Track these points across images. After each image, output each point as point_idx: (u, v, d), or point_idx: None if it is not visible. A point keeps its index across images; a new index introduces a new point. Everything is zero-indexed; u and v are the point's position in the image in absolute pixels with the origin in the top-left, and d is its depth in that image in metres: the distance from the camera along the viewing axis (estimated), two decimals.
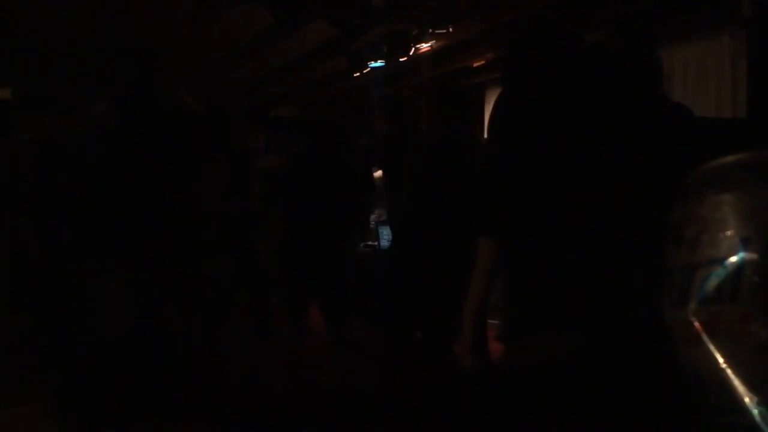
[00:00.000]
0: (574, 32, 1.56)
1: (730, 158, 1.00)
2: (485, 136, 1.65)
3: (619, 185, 1.43)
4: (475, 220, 1.58)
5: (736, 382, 0.88)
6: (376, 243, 5.57)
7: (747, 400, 0.86)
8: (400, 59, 5.37)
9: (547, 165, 1.45)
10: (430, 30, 4.73)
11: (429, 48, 5.05)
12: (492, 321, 1.70)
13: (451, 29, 4.65)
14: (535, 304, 1.43)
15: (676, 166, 1.18)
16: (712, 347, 0.92)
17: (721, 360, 0.90)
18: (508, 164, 1.51)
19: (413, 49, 5.07)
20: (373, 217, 5.69)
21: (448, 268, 3.06)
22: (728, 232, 0.94)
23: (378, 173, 5.47)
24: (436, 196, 3.11)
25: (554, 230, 1.46)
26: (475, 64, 6.30)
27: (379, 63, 5.58)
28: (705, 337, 0.93)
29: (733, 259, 0.92)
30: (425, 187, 3.16)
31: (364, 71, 5.78)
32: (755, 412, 0.84)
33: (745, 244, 0.92)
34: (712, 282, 0.94)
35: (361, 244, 6.06)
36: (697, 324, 0.95)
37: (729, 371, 0.89)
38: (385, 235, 5.46)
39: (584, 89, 1.51)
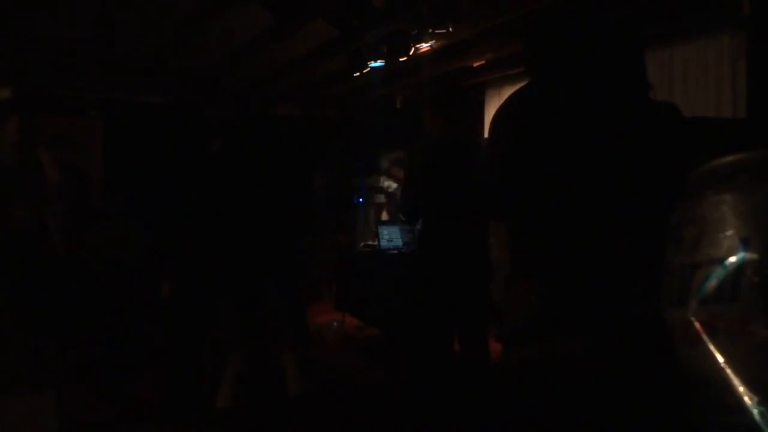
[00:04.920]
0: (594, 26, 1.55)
1: (730, 158, 1.00)
2: (486, 135, 1.65)
3: (622, 186, 1.43)
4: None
5: (736, 382, 0.88)
6: (376, 243, 5.57)
7: (747, 399, 0.86)
8: (400, 59, 5.38)
9: (551, 166, 1.46)
10: (430, 30, 4.73)
11: (429, 48, 5.06)
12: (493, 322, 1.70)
13: (451, 29, 4.65)
14: (540, 307, 1.43)
15: (677, 165, 1.18)
16: (712, 347, 0.92)
17: (721, 360, 0.90)
18: (517, 165, 1.51)
19: (413, 49, 5.07)
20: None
21: (451, 267, 3.07)
22: (728, 232, 0.94)
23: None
24: (437, 197, 3.12)
25: (557, 232, 1.46)
26: (475, 64, 6.30)
27: (379, 63, 5.59)
28: (705, 337, 0.93)
29: (733, 259, 0.92)
30: (426, 187, 3.17)
31: (364, 71, 5.78)
32: (755, 411, 0.85)
33: (745, 244, 0.92)
34: (712, 282, 0.94)
35: (361, 244, 6.06)
36: (697, 324, 0.95)
37: (729, 371, 0.89)
38: (385, 235, 5.46)
39: (591, 88, 1.51)
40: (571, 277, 1.42)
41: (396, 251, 5.30)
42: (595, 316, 1.38)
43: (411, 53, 5.16)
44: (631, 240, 1.40)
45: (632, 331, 1.32)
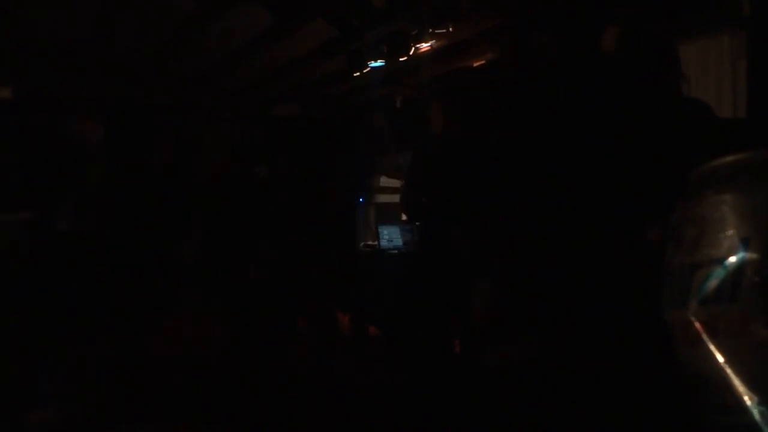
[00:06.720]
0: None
1: (730, 158, 1.00)
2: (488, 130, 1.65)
3: (623, 185, 1.43)
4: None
5: (736, 382, 0.88)
6: (376, 243, 5.57)
7: (747, 399, 0.86)
8: (400, 59, 5.37)
9: (552, 164, 1.46)
10: (430, 30, 4.73)
11: (429, 48, 5.05)
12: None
13: (451, 29, 4.65)
14: (536, 305, 1.43)
15: (678, 165, 1.18)
16: (712, 347, 0.92)
17: (721, 360, 0.90)
18: (517, 161, 1.51)
19: (413, 49, 5.07)
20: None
21: (451, 267, 3.07)
22: (728, 232, 0.94)
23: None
24: (437, 196, 3.12)
25: (555, 230, 1.46)
26: (475, 64, 6.30)
27: (379, 63, 5.59)
28: (705, 337, 0.93)
29: (733, 259, 0.92)
30: (426, 186, 3.17)
31: (364, 71, 5.78)
32: (755, 411, 0.85)
33: (745, 244, 0.92)
34: (712, 282, 0.94)
35: (361, 244, 6.07)
36: (697, 324, 0.95)
37: (729, 371, 0.89)
38: (386, 235, 5.46)
39: (596, 87, 1.50)
40: (558, 277, 1.42)
41: (396, 251, 5.30)
42: (594, 316, 1.38)
43: (411, 53, 5.16)
44: (633, 239, 1.40)
45: (632, 331, 1.32)
